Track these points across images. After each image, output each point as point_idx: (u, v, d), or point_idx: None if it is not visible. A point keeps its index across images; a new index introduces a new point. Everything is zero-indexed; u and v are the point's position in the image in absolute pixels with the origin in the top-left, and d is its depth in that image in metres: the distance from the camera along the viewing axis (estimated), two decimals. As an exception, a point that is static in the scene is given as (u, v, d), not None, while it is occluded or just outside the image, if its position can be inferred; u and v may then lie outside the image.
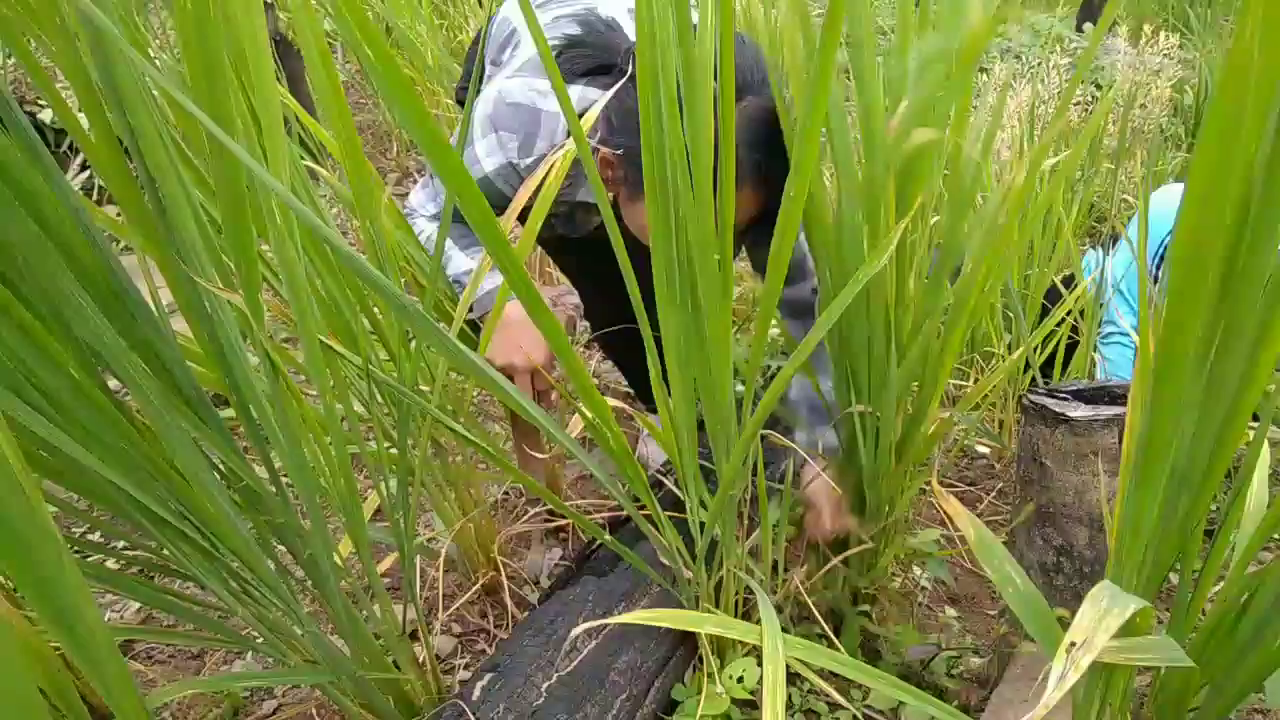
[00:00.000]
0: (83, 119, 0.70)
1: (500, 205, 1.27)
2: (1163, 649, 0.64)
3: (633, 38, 1.20)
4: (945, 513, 0.80)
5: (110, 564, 1.28)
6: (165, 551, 1.02)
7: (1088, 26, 5.70)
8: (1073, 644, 0.50)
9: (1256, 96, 0.45)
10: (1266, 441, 0.98)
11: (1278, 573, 0.69)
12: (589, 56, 1.19)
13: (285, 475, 0.90)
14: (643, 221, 1.10)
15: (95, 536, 1.62)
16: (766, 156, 1.03)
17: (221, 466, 0.85)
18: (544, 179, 1.00)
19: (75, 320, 0.67)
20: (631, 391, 2.03)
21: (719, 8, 0.77)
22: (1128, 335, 2.28)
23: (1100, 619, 0.52)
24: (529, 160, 1.21)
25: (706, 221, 0.85)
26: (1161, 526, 0.70)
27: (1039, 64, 4.15)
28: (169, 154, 0.64)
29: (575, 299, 1.90)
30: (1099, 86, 4.92)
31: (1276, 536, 1.62)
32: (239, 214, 0.66)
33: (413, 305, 0.72)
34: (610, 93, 1.03)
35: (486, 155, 1.22)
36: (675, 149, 0.81)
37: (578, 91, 1.20)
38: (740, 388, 1.00)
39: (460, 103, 1.59)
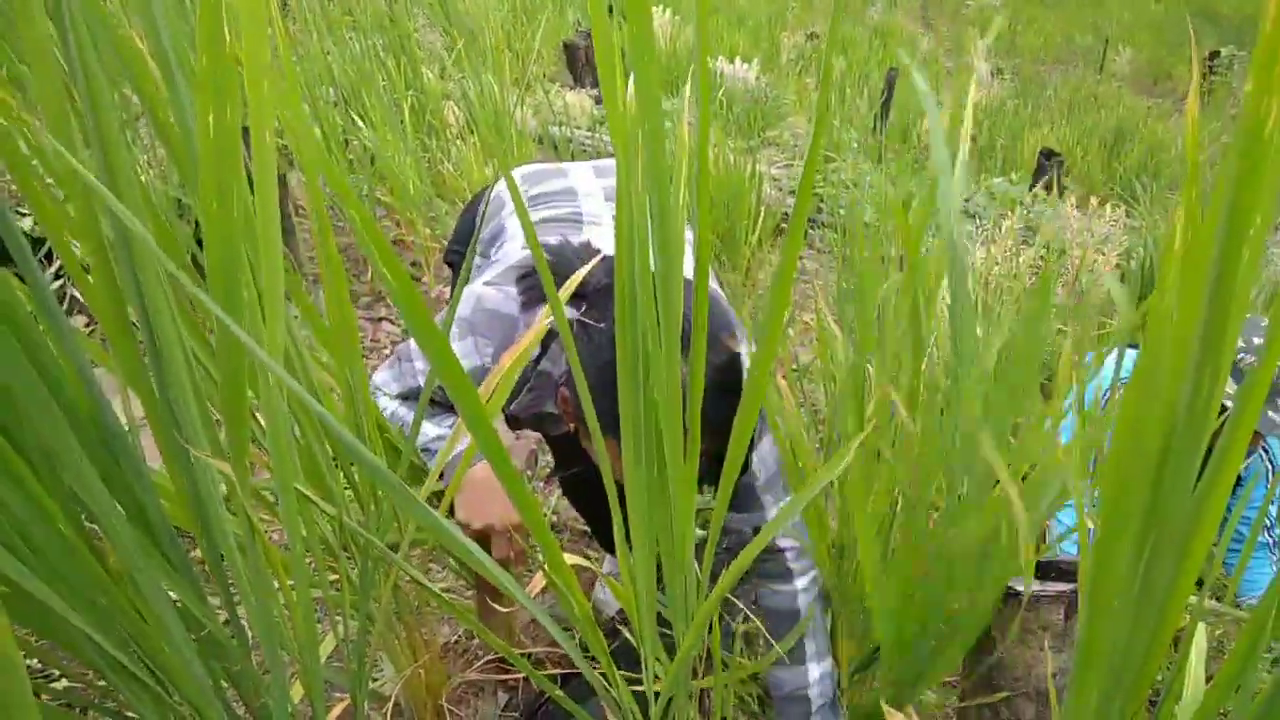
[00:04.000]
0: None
1: None
2: None
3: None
4: None
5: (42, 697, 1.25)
6: (102, 684, 1.00)
7: (1039, 191, 6.00)
8: None
9: (1174, 353, 0.50)
10: (1201, 626, 1.03)
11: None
12: (549, 284, 1.22)
13: (245, 620, 0.90)
14: (597, 457, 1.15)
15: (33, 663, 1.57)
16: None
17: (183, 610, 0.85)
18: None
19: (64, 466, 0.69)
20: (589, 531, 2.04)
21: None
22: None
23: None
24: None
25: (674, 386, 0.89)
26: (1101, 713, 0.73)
27: (993, 226, 4.36)
28: (173, 318, 0.67)
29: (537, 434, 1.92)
30: (1048, 248, 5.15)
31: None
32: (238, 390, 0.69)
33: (395, 479, 0.74)
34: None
35: (463, 357, 1.26)
36: (647, 320, 0.86)
37: (541, 314, 1.24)
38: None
39: (449, 264, 1.64)
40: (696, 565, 1.03)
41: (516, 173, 1.53)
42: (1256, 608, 0.68)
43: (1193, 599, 0.95)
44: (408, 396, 1.32)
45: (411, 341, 1.34)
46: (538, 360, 1.23)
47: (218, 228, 0.62)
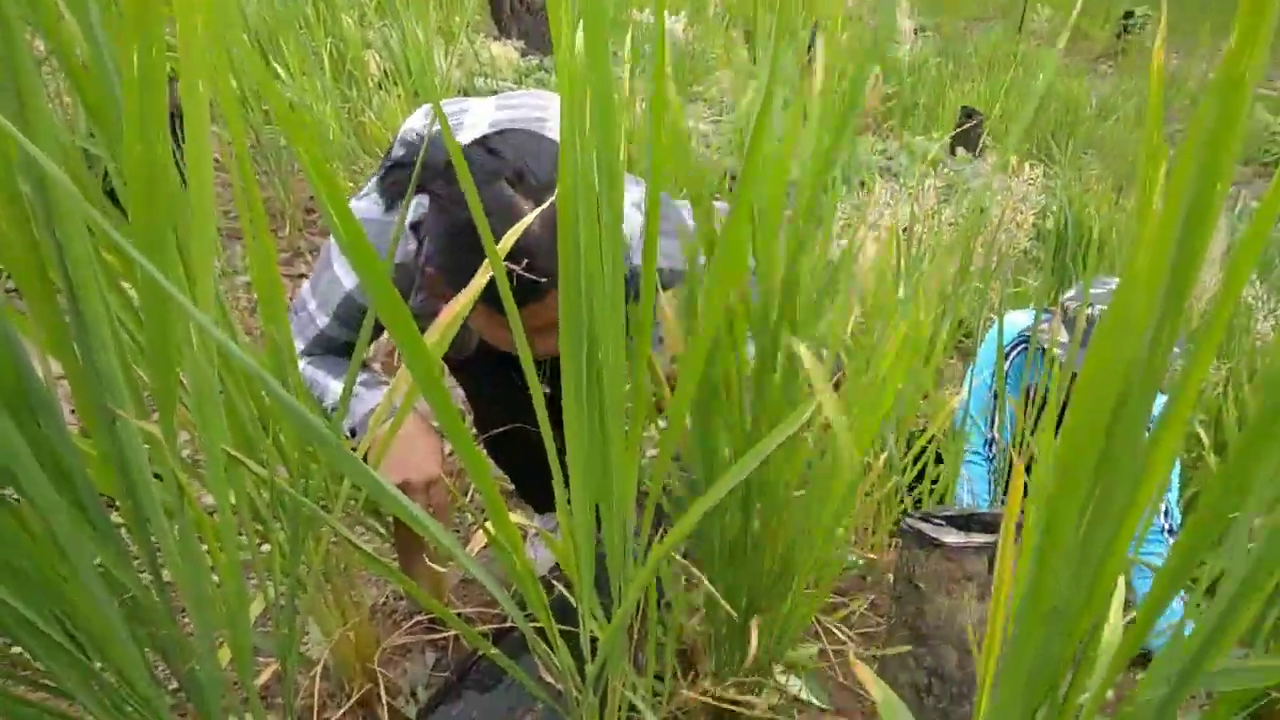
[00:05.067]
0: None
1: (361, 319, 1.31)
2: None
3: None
4: (860, 679, 0.84)
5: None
6: (15, 652, 0.97)
7: (960, 150, 6.10)
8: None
9: (1139, 313, 0.52)
10: (1121, 580, 1.07)
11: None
12: (409, 178, 1.21)
13: (170, 584, 0.88)
14: (480, 325, 1.13)
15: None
16: None
17: (107, 575, 0.83)
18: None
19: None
20: (514, 490, 2.03)
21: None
22: (979, 453, 2.47)
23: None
24: None
25: (619, 343, 0.88)
26: (1039, 663, 0.75)
27: (915, 184, 4.43)
28: (95, 275, 0.64)
29: (459, 393, 1.90)
30: (969, 207, 5.25)
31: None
32: (164, 347, 0.66)
33: (324, 430, 0.72)
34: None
35: (346, 274, 1.26)
36: (593, 267, 0.85)
37: (414, 206, 1.23)
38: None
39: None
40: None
41: (422, 110, 1.50)
42: (1167, 560, 0.71)
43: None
44: (312, 352, 1.30)
45: (305, 285, 1.32)
46: (418, 255, 1.21)
47: (141, 172, 0.59)
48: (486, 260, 0.94)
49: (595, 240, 0.85)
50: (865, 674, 0.84)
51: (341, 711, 1.31)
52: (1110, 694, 1.63)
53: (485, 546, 1.04)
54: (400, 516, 0.84)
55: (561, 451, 0.96)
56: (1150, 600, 0.74)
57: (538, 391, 0.92)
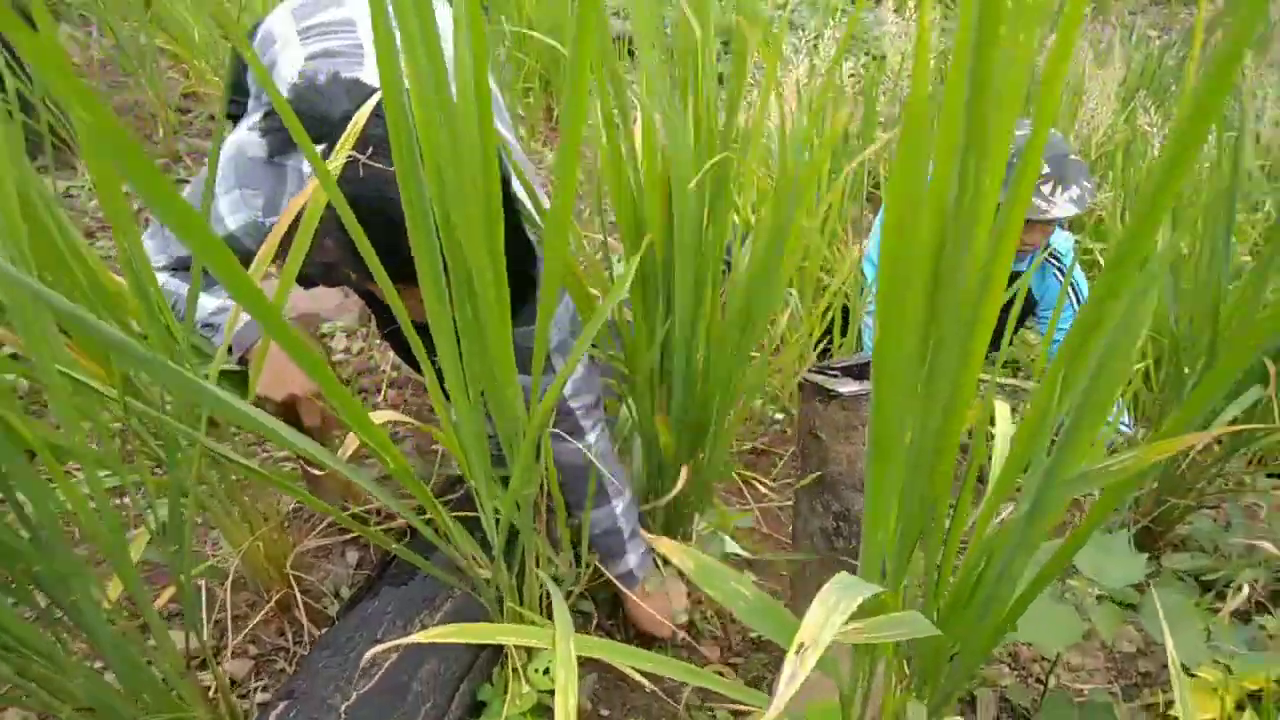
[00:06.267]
0: None
1: (248, 261, 1.21)
2: (909, 623, 0.70)
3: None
4: (663, 553, 0.85)
5: None
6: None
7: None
8: (802, 644, 0.53)
9: (942, 145, 0.50)
10: (1005, 405, 1.09)
11: (1004, 544, 0.77)
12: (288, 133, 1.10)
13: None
14: (382, 297, 1.08)
15: None
16: None
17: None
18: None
19: None
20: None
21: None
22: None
23: (827, 618, 0.55)
24: (275, 219, 1.15)
25: (476, 227, 0.84)
26: (903, 507, 0.76)
27: (816, 36, 4.34)
28: None
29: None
30: (871, 56, 5.18)
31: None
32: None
33: (164, 363, 0.68)
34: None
35: (230, 213, 1.15)
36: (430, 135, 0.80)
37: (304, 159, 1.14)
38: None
39: (231, 118, 1.46)
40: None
41: (287, 4, 1.37)
42: (1044, 377, 0.71)
43: (989, 378, 1.00)
44: (176, 268, 1.22)
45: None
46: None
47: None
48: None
49: (434, 116, 0.79)
50: (668, 547, 0.85)
51: (261, 615, 1.31)
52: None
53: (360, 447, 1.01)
54: (266, 435, 0.81)
55: (433, 350, 0.93)
56: (1029, 418, 0.75)
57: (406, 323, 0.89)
